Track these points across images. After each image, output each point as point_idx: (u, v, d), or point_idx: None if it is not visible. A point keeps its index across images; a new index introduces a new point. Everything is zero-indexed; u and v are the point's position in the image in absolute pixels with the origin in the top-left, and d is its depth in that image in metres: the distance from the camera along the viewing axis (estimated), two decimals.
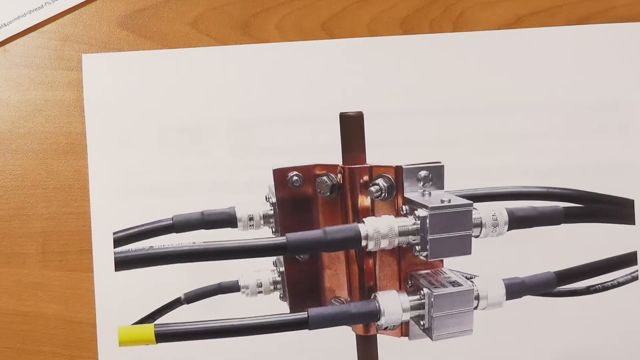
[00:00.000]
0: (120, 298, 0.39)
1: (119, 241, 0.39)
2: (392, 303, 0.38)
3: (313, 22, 0.40)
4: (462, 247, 0.38)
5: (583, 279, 0.40)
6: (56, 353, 0.40)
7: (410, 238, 0.38)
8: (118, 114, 0.39)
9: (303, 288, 0.40)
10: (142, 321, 0.39)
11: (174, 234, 0.39)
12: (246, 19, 0.40)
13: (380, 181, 0.39)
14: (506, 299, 0.39)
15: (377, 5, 0.40)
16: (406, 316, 0.39)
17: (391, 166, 0.39)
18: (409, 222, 0.38)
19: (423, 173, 0.39)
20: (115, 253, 0.39)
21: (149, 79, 0.39)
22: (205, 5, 0.40)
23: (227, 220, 0.39)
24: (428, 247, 0.37)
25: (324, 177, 0.39)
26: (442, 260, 0.40)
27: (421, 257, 0.38)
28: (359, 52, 0.39)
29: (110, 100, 0.39)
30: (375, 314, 0.38)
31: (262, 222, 0.40)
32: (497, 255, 0.39)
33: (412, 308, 0.39)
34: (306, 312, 0.38)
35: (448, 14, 0.40)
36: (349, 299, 0.40)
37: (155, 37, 0.40)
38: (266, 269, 0.40)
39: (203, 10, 0.40)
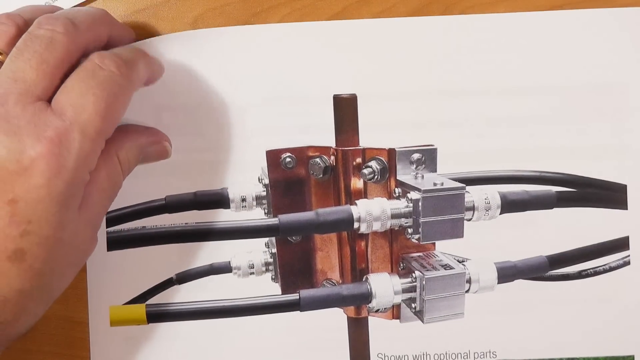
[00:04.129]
0: (112, 278, 0.39)
1: (111, 221, 0.39)
2: (384, 285, 0.39)
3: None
4: (455, 230, 0.38)
5: (575, 264, 0.40)
6: (56, 353, 0.40)
7: (403, 221, 0.38)
8: None
9: (295, 270, 0.40)
10: (134, 301, 0.39)
11: (166, 214, 0.39)
12: (246, 19, 0.40)
13: (373, 163, 0.39)
14: (498, 283, 0.39)
15: (376, 5, 0.40)
16: (398, 299, 0.39)
17: (384, 149, 0.39)
18: (401, 205, 0.38)
19: (416, 156, 0.39)
20: (107, 233, 0.39)
21: None
22: (205, 5, 0.40)
23: (220, 201, 0.39)
24: (420, 229, 0.37)
25: (317, 159, 0.39)
26: (434, 243, 0.40)
27: (413, 240, 0.38)
28: (353, 34, 0.39)
29: None
30: (367, 296, 0.39)
31: (254, 203, 0.40)
32: (489, 238, 0.39)
33: (404, 291, 0.39)
34: (298, 294, 0.39)
35: (448, 14, 0.40)
36: (340, 281, 0.40)
37: (155, 37, 0.40)
38: (258, 250, 0.40)
39: (203, 10, 0.40)
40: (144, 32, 0.41)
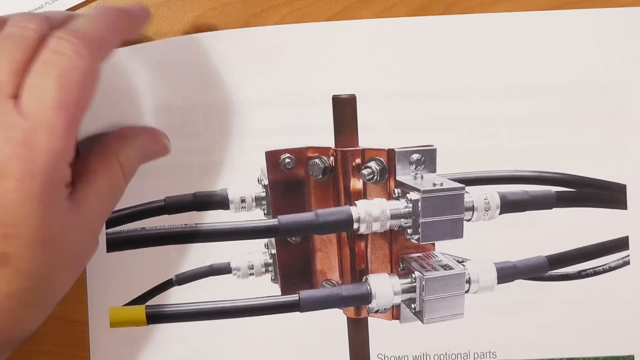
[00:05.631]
0: (112, 279, 0.39)
1: (110, 222, 0.39)
2: (384, 286, 0.39)
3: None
4: (454, 231, 0.38)
5: (575, 264, 0.40)
6: (56, 353, 0.40)
7: (402, 221, 0.38)
8: (110, 97, 0.39)
9: (294, 270, 0.40)
10: (134, 302, 0.39)
11: (165, 215, 0.39)
12: (246, 19, 0.40)
13: (372, 164, 0.39)
14: (497, 283, 0.39)
15: (377, 5, 0.40)
16: (397, 299, 0.39)
17: (383, 149, 0.39)
18: (401, 205, 0.38)
19: (415, 156, 0.39)
20: (107, 234, 0.39)
21: (141, 62, 0.39)
22: (205, 5, 0.40)
23: (219, 202, 0.39)
24: (420, 230, 0.37)
25: (316, 160, 0.39)
26: (433, 244, 0.40)
27: (413, 240, 0.38)
28: (353, 34, 0.39)
29: (101, 83, 0.39)
30: (367, 297, 0.39)
31: (254, 204, 0.40)
32: (488, 239, 0.39)
33: (404, 291, 0.39)
34: (297, 295, 0.39)
35: (449, 14, 0.40)
36: (340, 282, 0.40)
37: (155, 37, 0.40)
38: (258, 251, 0.40)
39: (203, 10, 0.40)
40: (143, 32, 0.41)
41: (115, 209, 0.39)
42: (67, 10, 0.41)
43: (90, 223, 0.33)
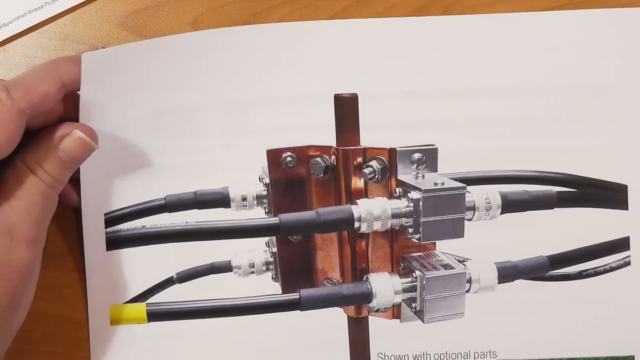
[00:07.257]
0: (112, 277, 0.39)
1: (111, 221, 0.39)
2: (384, 285, 0.38)
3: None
4: (455, 230, 0.38)
5: (575, 264, 0.40)
6: (56, 353, 0.40)
7: (403, 220, 0.38)
8: (111, 98, 0.39)
9: (295, 269, 0.40)
10: (134, 300, 0.39)
11: (166, 214, 0.39)
12: (246, 19, 0.40)
13: (373, 163, 0.39)
14: (498, 283, 0.39)
15: (377, 5, 0.40)
16: (398, 298, 0.39)
17: (385, 148, 0.39)
18: (402, 205, 0.38)
19: (417, 156, 0.39)
20: (106, 232, 0.39)
21: (142, 63, 0.39)
22: (205, 5, 0.40)
23: (220, 200, 0.39)
24: (421, 229, 0.37)
25: (318, 159, 0.39)
26: (434, 243, 0.40)
27: (414, 240, 0.38)
28: (355, 34, 0.39)
29: (102, 83, 0.39)
30: (367, 296, 0.38)
31: (255, 202, 0.39)
32: (489, 238, 0.39)
33: (404, 290, 0.39)
34: (298, 293, 0.39)
35: (448, 14, 0.40)
36: (341, 281, 0.40)
37: (155, 37, 0.40)
38: (259, 249, 0.40)
39: (203, 10, 0.40)
40: (144, 32, 0.41)
41: (116, 207, 0.39)
42: (67, 10, 0.42)
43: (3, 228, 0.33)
